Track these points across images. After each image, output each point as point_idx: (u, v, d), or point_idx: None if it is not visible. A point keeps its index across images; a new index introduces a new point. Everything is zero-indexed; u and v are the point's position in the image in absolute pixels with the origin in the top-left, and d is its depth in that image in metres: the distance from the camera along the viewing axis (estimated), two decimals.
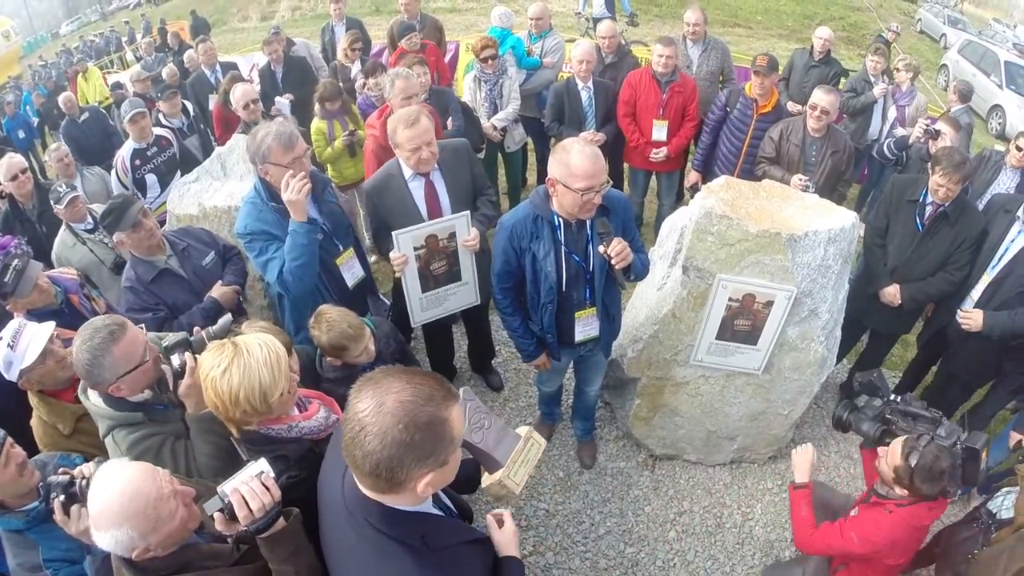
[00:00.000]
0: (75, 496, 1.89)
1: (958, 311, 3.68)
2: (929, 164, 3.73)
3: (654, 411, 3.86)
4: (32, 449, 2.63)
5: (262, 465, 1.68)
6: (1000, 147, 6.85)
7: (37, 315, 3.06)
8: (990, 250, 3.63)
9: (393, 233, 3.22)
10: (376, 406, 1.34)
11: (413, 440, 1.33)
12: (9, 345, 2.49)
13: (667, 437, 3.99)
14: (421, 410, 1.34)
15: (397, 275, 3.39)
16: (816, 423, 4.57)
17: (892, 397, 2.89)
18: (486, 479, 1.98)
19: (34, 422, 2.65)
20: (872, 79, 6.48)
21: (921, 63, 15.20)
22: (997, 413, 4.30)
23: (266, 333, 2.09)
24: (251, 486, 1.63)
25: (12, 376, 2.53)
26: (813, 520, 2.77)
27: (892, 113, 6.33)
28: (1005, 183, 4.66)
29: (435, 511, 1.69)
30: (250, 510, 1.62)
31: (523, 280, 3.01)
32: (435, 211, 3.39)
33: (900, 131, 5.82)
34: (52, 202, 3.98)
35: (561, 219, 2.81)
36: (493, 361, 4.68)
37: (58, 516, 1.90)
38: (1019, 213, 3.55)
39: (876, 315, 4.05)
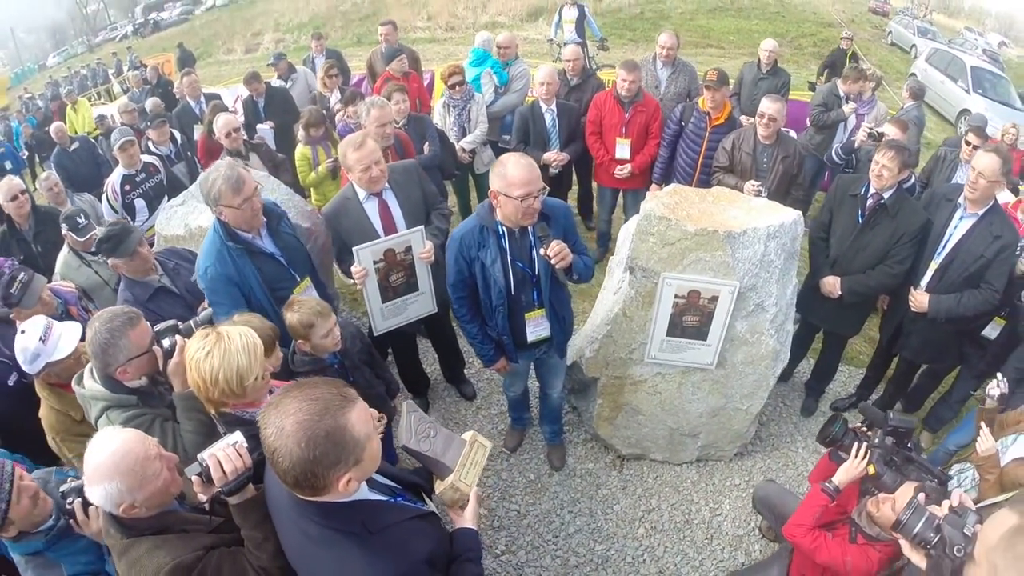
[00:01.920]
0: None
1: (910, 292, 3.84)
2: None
3: (616, 411, 3.98)
4: (36, 444, 2.85)
5: (236, 436, 1.87)
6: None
7: None
8: (935, 238, 3.78)
9: (353, 248, 3.44)
10: (278, 431, 1.47)
11: (316, 455, 1.46)
12: (41, 339, 2.74)
13: (631, 436, 4.10)
14: (317, 426, 1.46)
15: (359, 287, 3.58)
16: (783, 420, 4.70)
17: (907, 443, 2.84)
18: (438, 485, 2.07)
19: (44, 412, 2.87)
20: (841, 94, 6.67)
21: (891, 74, 15.60)
22: (966, 400, 4.41)
23: (248, 325, 2.31)
24: (226, 452, 1.82)
25: (36, 367, 2.76)
26: (814, 525, 2.78)
27: (852, 121, 6.52)
28: (963, 180, 4.82)
29: (373, 496, 1.80)
30: (224, 473, 1.80)
31: (476, 288, 3.20)
32: (390, 228, 3.60)
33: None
34: (67, 229, 4.14)
35: (505, 228, 3.01)
36: (465, 371, 4.82)
37: (79, 517, 2.03)
38: (959, 200, 3.71)
39: (820, 311, 4.18)
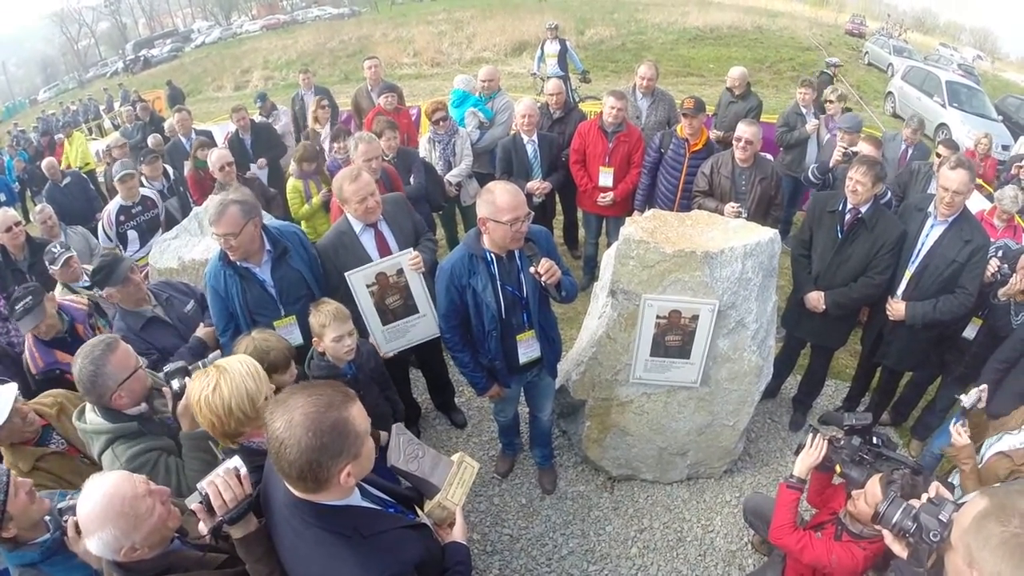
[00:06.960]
0: None
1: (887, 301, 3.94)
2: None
3: (604, 432, 4.04)
4: None
5: (235, 461, 1.90)
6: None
7: (44, 343, 3.49)
8: (909, 246, 3.89)
9: (345, 274, 3.54)
10: (287, 423, 1.57)
11: (323, 443, 1.57)
12: None
13: (621, 457, 4.15)
14: (324, 416, 1.58)
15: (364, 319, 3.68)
16: (771, 436, 4.75)
17: (872, 439, 2.94)
18: (427, 504, 2.15)
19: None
20: (803, 111, 6.91)
21: (869, 94, 15.96)
22: (951, 407, 4.39)
23: (265, 343, 2.67)
24: (225, 479, 1.85)
25: None
26: (794, 521, 2.86)
27: (825, 137, 6.71)
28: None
29: (366, 504, 1.89)
30: (224, 500, 1.83)
31: (468, 316, 3.28)
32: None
33: None
34: (47, 263, 4.25)
35: (493, 255, 3.12)
36: (457, 400, 4.88)
37: (70, 533, 2.06)
38: (929, 209, 3.83)
39: (806, 325, 4.27)
